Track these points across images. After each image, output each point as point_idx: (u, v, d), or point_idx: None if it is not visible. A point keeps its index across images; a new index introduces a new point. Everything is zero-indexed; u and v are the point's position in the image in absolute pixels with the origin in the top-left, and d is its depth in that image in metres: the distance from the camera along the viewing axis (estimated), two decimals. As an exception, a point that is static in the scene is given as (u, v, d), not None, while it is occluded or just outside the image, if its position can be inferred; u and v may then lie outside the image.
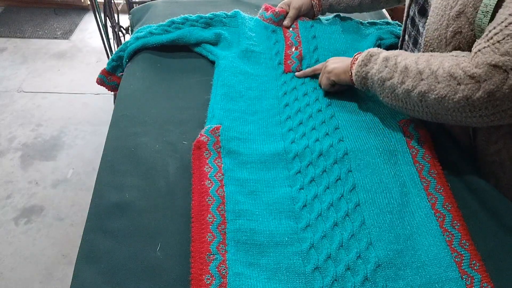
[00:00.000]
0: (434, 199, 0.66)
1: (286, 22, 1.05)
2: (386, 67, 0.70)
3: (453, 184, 0.70)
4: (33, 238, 1.48)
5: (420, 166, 0.71)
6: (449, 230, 0.62)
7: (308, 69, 0.93)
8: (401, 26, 1.12)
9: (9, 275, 1.37)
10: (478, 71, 0.57)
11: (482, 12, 0.59)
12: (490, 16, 0.58)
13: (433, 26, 0.68)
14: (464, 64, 0.59)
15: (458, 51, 0.64)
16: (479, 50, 0.57)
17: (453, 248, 0.60)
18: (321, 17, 1.10)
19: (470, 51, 0.64)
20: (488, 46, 0.56)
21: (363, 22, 1.10)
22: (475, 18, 0.61)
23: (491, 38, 0.56)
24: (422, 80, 0.63)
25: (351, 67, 0.78)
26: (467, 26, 0.63)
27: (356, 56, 0.78)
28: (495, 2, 0.57)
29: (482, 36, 0.59)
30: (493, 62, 0.55)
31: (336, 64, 0.83)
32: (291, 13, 1.05)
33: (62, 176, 1.71)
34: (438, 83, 0.61)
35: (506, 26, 0.55)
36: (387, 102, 0.72)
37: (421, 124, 0.77)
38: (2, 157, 1.79)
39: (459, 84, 0.59)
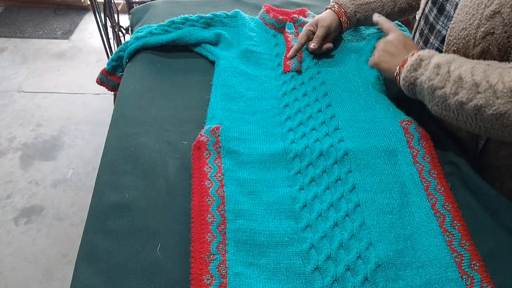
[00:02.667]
0: (434, 199, 0.66)
1: (313, 43, 0.96)
2: (438, 74, 0.64)
3: (453, 185, 0.70)
4: (33, 238, 1.48)
5: (421, 167, 0.71)
6: (449, 230, 0.62)
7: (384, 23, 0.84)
8: (401, 26, 1.12)
9: (9, 275, 1.37)
10: None
11: None
12: None
13: (460, 25, 0.65)
14: None
15: None
16: None
17: (453, 248, 0.60)
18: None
19: (499, 54, 0.61)
20: None
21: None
22: None
23: None
24: (478, 93, 0.59)
25: (400, 70, 0.73)
26: (501, 27, 0.59)
27: (407, 58, 0.73)
28: None
29: None
30: None
31: (385, 58, 0.77)
32: (320, 32, 0.96)
33: (62, 176, 1.71)
34: (497, 98, 0.57)
35: None
36: (436, 111, 0.68)
37: (421, 125, 0.77)
38: (2, 157, 1.79)
39: None
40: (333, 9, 0.97)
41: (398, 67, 0.74)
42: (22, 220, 1.54)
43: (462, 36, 0.65)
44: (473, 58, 0.65)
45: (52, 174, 1.72)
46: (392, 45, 0.77)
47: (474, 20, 0.62)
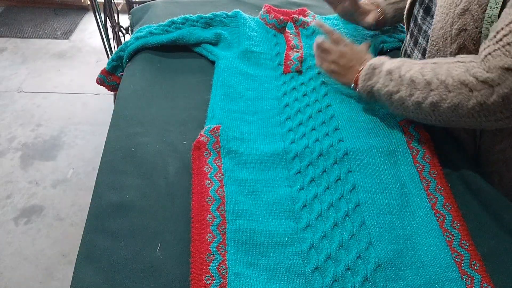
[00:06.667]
0: (434, 199, 0.66)
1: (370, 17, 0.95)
2: (391, 80, 0.69)
3: (453, 185, 0.70)
4: (33, 238, 1.48)
5: (421, 167, 0.71)
6: (449, 230, 0.62)
7: (328, 29, 0.88)
8: (403, 27, 1.12)
9: (9, 275, 1.37)
10: (491, 76, 0.56)
11: (491, 8, 0.59)
12: (499, 9, 0.58)
13: (439, 25, 0.68)
14: (474, 70, 0.58)
15: (463, 56, 0.63)
16: (489, 54, 0.56)
17: (453, 249, 0.60)
18: (322, 17, 1.09)
19: (475, 48, 0.64)
20: (499, 49, 0.55)
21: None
22: (484, 15, 0.60)
23: (500, 40, 0.55)
24: (432, 90, 0.63)
25: (356, 81, 0.77)
26: (472, 23, 0.62)
27: (361, 68, 0.76)
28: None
29: (489, 38, 0.58)
30: (505, 66, 0.54)
31: (339, 70, 0.81)
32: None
33: (62, 176, 1.71)
34: (449, 92, 0.60)
35: None
36: (397, 113, 0.72)
37: (421, 125, 0.77)
38: (2, 157, 1.79)
39: (471, 90, 0.58)
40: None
41: (353, 80, 0.78)
42: (22, 220, 1.54)
43: (441, 34, 0.68)
44: (451, 55, 0.68)
45: (52, 174, 1.72)
46: (345, 58, 0.81)
47: (449, 19, 0.66)
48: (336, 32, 0.87)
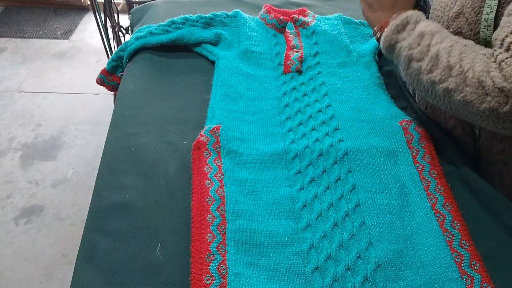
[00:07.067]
0: (434, 199, 0.66)
1: None
2: (419, 45, 0.65)
3: (453, 185, 0.70)
4: (33, 238, 1.48)
5: (421, 167, 0.71)
6: (449, 231, 0.62)
7: None
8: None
9: (9, 275, 1.37)
10: (508, 86, 0.55)
11: (487, 13, 0.59)
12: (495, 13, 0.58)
13: None
14: (493, 73, 0.56)
15: (490, 50, 0.59)
16: (503, 61, 0.55)
17: (453, 249, 0.60)
18: (322, 17, 1.09)
19: None
20: (511, 56, 0.55)
21: (364, 23, 1.10)
22: (478, 18, 0.60)
23: (508, 47, 0.55)
24: (451, 76, 0.60)
25: (382, 27, 0.72)
26: (466, 26, 0.63)
27: (392, 16, 0.71)
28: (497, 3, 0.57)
29: (497, 45, 0.57)
30: None
31: (376, 3, 0.75)
32: None
33: (62, 176, 1.71)
34: (467, 86, 0.59)
35: None
36: (407, 80, 0.69)
37: (421, 125, 0.77)
38: (2, 157, 1.79)
39: (486, 94, 0.57)
40: None
41: (381, 23, 0.73)
42: (22, 220, 1.54)
43: None
44: None
45: (52, 174, 1.72)
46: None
47: (443, 22, 0.65)
48: None
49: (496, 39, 0.58)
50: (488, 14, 0.59)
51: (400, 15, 0.70)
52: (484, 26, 0.60)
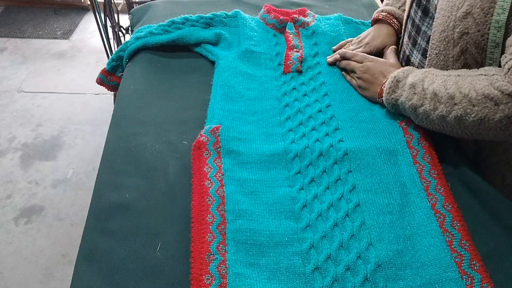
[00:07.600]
0: (434, 199, 0.66)
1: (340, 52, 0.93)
2: (414, 94, 0.70)
3: (453, 185, 0.70)
4: (33, 238, 1.48)
5: (420, 167, 0.71)
6: (449, 231, 0.62)
7: (350, 54, 0.89)
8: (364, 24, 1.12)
9: (9, 275, 1.37)
10: None
11: (498, 14, 0.59)
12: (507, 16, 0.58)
13: (440, 27, 0.68)
14: (498, 84, 0.58)
15: (487, 68, 0.63)
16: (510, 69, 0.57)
17: (453, 249, 0.60)
18: (322, 17, 1.09)
19: (478, 52, 0.64)
20: None
21: (364, 22, 1.10)
22: (487, 19, 0.60)
23: None
24: (455, 104, 0.63)
25: (380, 94, 0.79)
26: (474, 27, 0.62)
27: (384, 81, 0.78)
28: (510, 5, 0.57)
29: (509, 52, 0.58)
30: None
31: (363, 85, 0.84)
32: (363, 49, 0.92)
33: (62, 176, 1.71)
34: (474, 106, 0.61)
35: None
36: (422, 125, 0.73)
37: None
38: (2, 157, 1.79)
39: (497, 104, 0.59)
40: (380, 16, 0.96)
41: (377, 93, 0.80)
42: (22, 220, 1.54)
43: (442, 37, 0.68)
44: (454, 58, 0.68)
45: (52, 174, 1.72)
46: (368, 73, 0.83)
47: (450, 22, 0.65)
48: (359, 54, 0.89)
49: (508, 45, 0.58)
50: (499, 16, 0.59)
51: (388, 78, 0.76)
52: (495, 28, 0.60)
